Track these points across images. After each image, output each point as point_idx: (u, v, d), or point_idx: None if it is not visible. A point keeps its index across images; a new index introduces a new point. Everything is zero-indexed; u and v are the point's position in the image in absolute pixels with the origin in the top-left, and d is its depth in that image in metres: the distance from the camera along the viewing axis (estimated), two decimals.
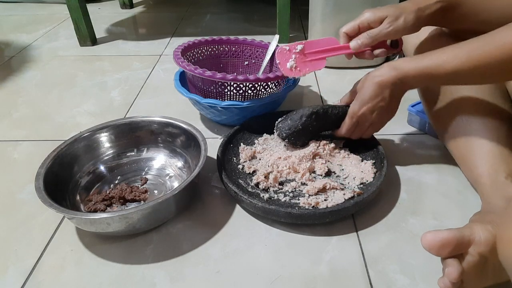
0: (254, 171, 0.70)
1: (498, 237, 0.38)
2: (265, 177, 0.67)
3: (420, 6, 0.57)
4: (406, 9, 0.57)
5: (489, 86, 0.58)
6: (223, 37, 0.96)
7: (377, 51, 0.63)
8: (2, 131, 0.89)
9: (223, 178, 0.65)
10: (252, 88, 0.80)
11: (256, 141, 0.78)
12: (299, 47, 0.67)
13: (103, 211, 0.63)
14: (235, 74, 0.76)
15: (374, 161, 0.69)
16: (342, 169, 0.70)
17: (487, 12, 0.56)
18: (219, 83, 0.79)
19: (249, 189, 0.66)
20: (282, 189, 0.67)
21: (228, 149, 0.74)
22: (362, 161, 0.70)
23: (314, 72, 1.14)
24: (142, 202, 0.65)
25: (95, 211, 0.63)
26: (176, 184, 0.69)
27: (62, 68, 1.21)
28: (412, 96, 0.98)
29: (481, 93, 0.58)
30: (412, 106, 0.84)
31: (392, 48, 0.67)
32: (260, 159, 0.73)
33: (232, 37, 0.97)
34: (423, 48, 0.66)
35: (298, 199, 0.64)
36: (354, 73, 1.12)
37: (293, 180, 0.68)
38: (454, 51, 0.50)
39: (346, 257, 0.56)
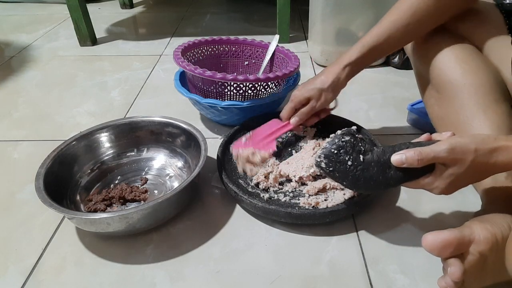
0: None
1: (508, 248, 0.42)
2: (265, 177, 0.67)
3: (335, 76, 0.67)
4: (324, 85, 0.67)
5: (490, 85, 0.58)
6: (223, 37, 0.96)
7: (309, 121, 0.73)
8: (2, 131, 0.89)
9: (223, 178, 0.65)
10: (252, 88, 0.80)
11: None
12: (244, 139, 0.72)
13: (103, 211, 0.63)
14: (235, 74, 0.76)
15: None
16: None
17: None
18: (219, 83, 0.79)
19: (249, 189, 0.66)
20: (282, 189, 0.67)
21: (228, 149, 0.74)
22: None
23: (314, 72, 1.14)
24: (142, 202, 0.65)
25: (95, 211, 0.63)
26: (176, 184, 0.69)
27: (62, 68, 1.21)
28: (412, 95, 0.98)
29: (482, 92, 0.58)
30: (412, 105, 0.84)
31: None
32: None
33: (232, 37, 0.97)
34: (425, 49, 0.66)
35: (298, 199, 0.64)
36: None
37: (291, 178, 0.68)
38: None
39: (346, 257, 0.57)
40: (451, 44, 0.61)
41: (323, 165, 0.51)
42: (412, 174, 0.49)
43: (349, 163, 0.50)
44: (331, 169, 0.51)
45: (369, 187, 0.51)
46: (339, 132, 0.52)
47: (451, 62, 0.60)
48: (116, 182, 0.70)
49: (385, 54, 0.72)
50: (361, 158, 0.50)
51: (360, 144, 0.51)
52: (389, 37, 0.62)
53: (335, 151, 0.50)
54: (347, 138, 0.51)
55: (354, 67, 0.67)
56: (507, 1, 0.60)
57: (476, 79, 0.58)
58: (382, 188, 0.51)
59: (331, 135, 0.53)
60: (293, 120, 0.71)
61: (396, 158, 0.48)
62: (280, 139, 0.79)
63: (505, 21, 0.59)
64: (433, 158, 0.46)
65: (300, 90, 0.69)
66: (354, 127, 0.54)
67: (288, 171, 0.67)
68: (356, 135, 0.52)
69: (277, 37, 0.94)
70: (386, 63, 1.16)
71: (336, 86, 0.67)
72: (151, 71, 1.17)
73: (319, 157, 0.51)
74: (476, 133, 0.57)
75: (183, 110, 0.93)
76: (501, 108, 0.57)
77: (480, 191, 0.56)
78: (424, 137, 0.51)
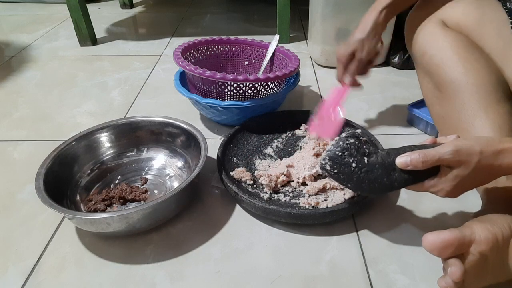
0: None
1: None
2: (270, 180, 0.67)
3: (373, 22, 0.67)
4: (363, 34, 0.68)
5: (493, 85, 0.58)
6: (223, 37, 0.96)
7: (365, 71, 0.73)
8: (2, 131, 0.89)
9: (223, 178, 0.65)
10: (252, 88, 0.80)
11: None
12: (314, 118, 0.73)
13: (103, 211, 0.63)
14: (235, 74, 0.76)
15: None
16: None
17: None
18: (219, 83, 0.79)
19: (249, 189, 0.66)
20: (282, 189, 0.67)
21: (228, 149, 0.74)
22: None
23: (314, 72, 1.14)
24: (142, 202, 0.65)
25: (95, 211, 0.63)
26: (176, 184, 0.69)
27: (62, 68, 1.21)
28: (412, 95, 0.98)
29: (484, 91, 0.58)
30: (412, 106, 0.84)
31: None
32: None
33: (232, 37, 0.97)
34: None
35: (298, 199, 0.64)
36: None
37: (293, 180, 0.68)
38: None
39: (346, 257, 0.57)
40: (453, 43, 0.61)
41: (327, 167, 0.51)
42: (417, 177, 0.49)
43: (354, 165, 0.50)
44: (335, 171, 0.51)
45: (374, 190, 0.50)
46: (343, 134, 0.52)
47: (453, 60, 0.60)
48: (116, 182, 0.70)
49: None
50: (366, 160, 0.50)
51: (364, 147, 0.51)
52: None
53: (340, 153, 0.50)
54: (351, 140, 0.51)
55: (391, 9, 0.67)
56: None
57: (478, 78, 0.58)
58: (386, 191, 0.51)
59: (335, 138, 0.53)
60: (347, 81, 0.71)
61: (401, 160, 0.48)
62: (280, 139, 0.79)
63: (508, 19, 0.59)
64: (438, 160, 0.46)
65: (342, 46, 0.70)
66: (359, 130, 0.54)
67: (292, 172, 0.67)
68: (361, 138, 0.52)
69: (277, 37, 0.94)
70: (386, 63, 1.16)
71: (376, 31, 0.68)
72: (151, 71, 1.17)
73: (324, 159, 0.51)
74: (478, 133, 0.56)
75: (183, 110, 0.93)
76: (503, 107, 0.57)
77: (481, 191, 0.56)
78: (429, 140, 0.51)
